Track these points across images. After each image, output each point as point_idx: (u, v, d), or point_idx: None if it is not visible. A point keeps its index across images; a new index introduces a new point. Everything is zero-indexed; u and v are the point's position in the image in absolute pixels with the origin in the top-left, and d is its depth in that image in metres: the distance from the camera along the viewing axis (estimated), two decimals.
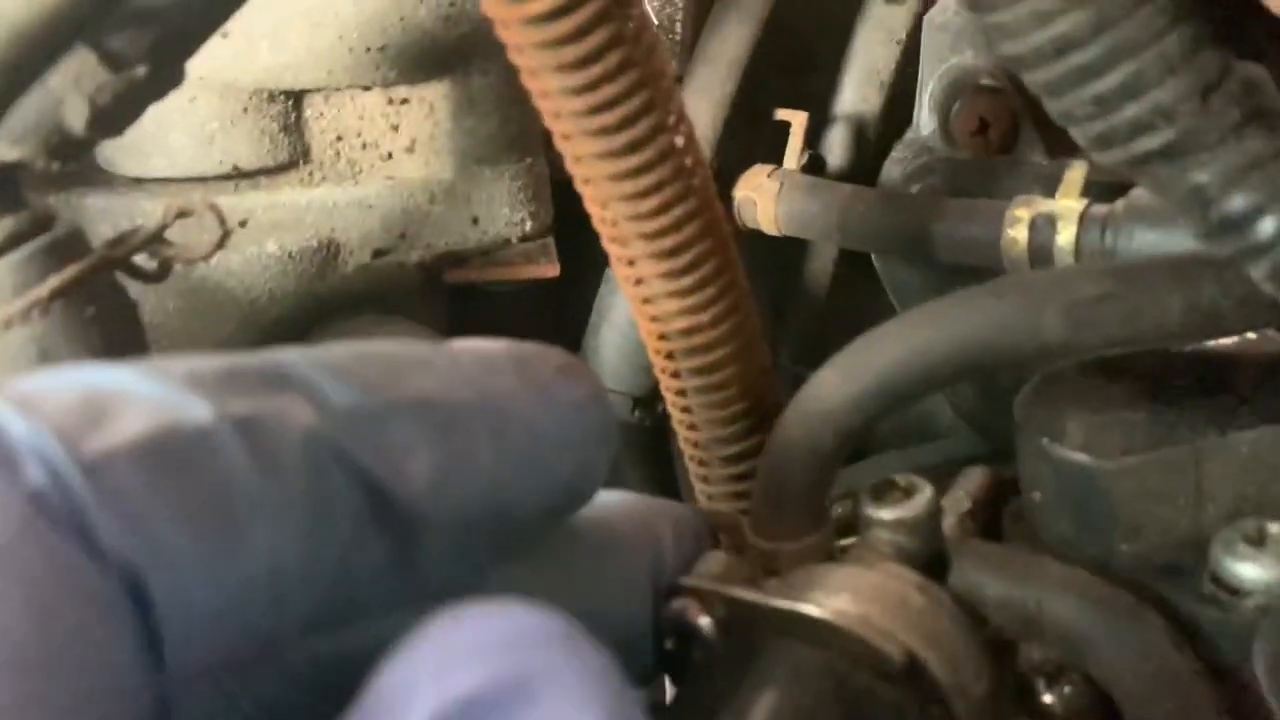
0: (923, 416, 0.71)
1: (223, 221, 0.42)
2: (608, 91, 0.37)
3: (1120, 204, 0.50)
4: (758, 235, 0.63)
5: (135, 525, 0.21)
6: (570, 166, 0.39)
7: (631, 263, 0.43)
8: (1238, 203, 0.34)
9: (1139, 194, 0.51)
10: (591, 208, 0.41)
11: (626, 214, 0.40)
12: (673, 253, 0.41)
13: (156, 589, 0.21)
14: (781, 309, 0.68)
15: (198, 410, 0.22)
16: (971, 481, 0.53)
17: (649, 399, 0.65)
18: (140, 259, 0.42)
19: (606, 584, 0.34)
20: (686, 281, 0.42)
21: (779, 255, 0.68)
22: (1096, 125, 0.35)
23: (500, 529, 0.27)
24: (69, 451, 0.20)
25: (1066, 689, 0.42)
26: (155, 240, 0.41)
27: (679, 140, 0.39)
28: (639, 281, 0.43)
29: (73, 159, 0.38)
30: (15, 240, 0.38)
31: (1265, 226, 0.34)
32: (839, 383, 0.40)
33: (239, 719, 0.25)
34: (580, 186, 0.40)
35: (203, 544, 0.21)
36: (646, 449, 0.68)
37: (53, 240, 0.39)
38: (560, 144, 0.39)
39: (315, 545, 0.23)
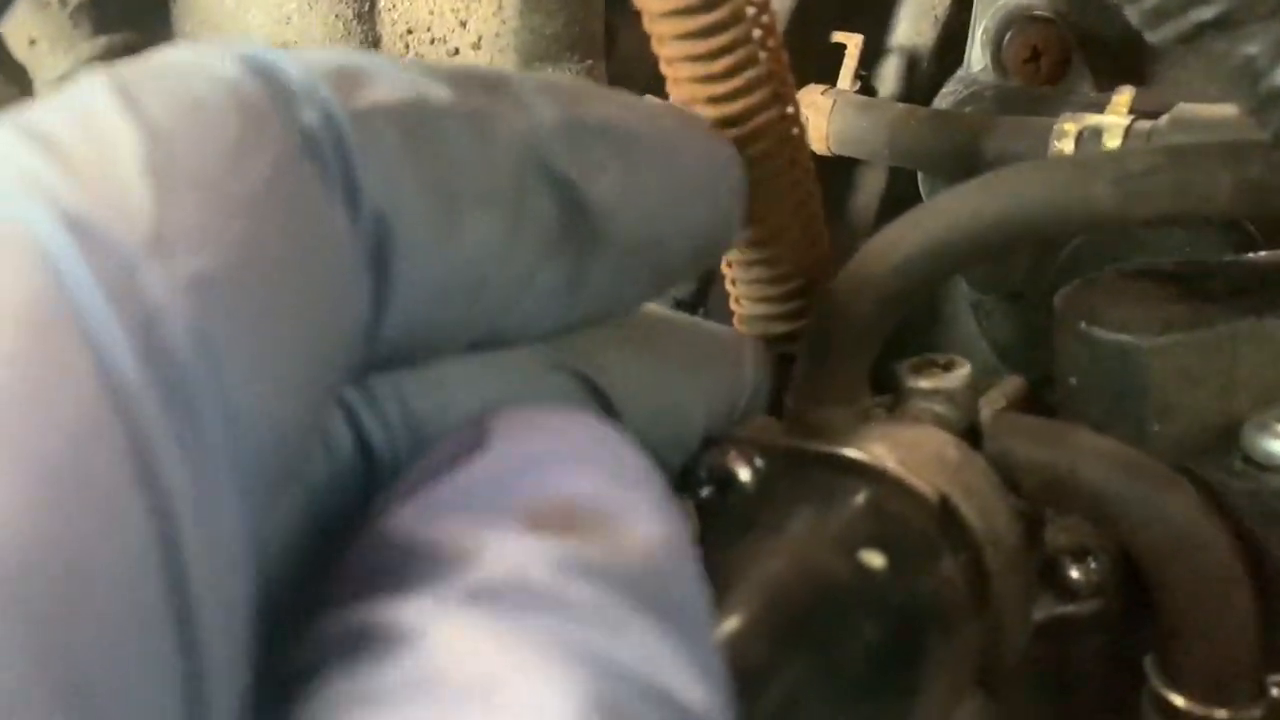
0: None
1: None
2: None
3: (1165, 118, 0.50)
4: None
5: (389, 179, 0.21)
6: (647, 24, 0.40)
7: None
8: None
9: (1184, 107, 0.51)
10: (664, 69, 0.42)
11: (694, 74, 0.41)
12: (737, 120, 0.42)
13: (397, 248, 0.22)
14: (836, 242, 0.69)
15: (441, 92, 0.23)
16: (1009, 385, 0.54)
17: (692, 301, 0.65)
18: None
19: (695, 385, 0.35)
20: (751, 151, 0.42)
21: (827, 185, 0.68)
22: None
23: (656, 262, 0.29)
24: (342, 99, 0.21)
25: (1092, 566, 0.42)
26: None
27: (750, 9, 0.39)
28: None
29: None
30: (107, 56, 0.39)
31: None
32: (886, 248, 0.41)
33: (426, 405, 0.25)
34: (655, 47, 0.41)
35: (436, 215, 0.22)
36: None
37: None
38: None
39: (513, 245, 0.24)
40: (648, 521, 0.21)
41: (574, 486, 0.21)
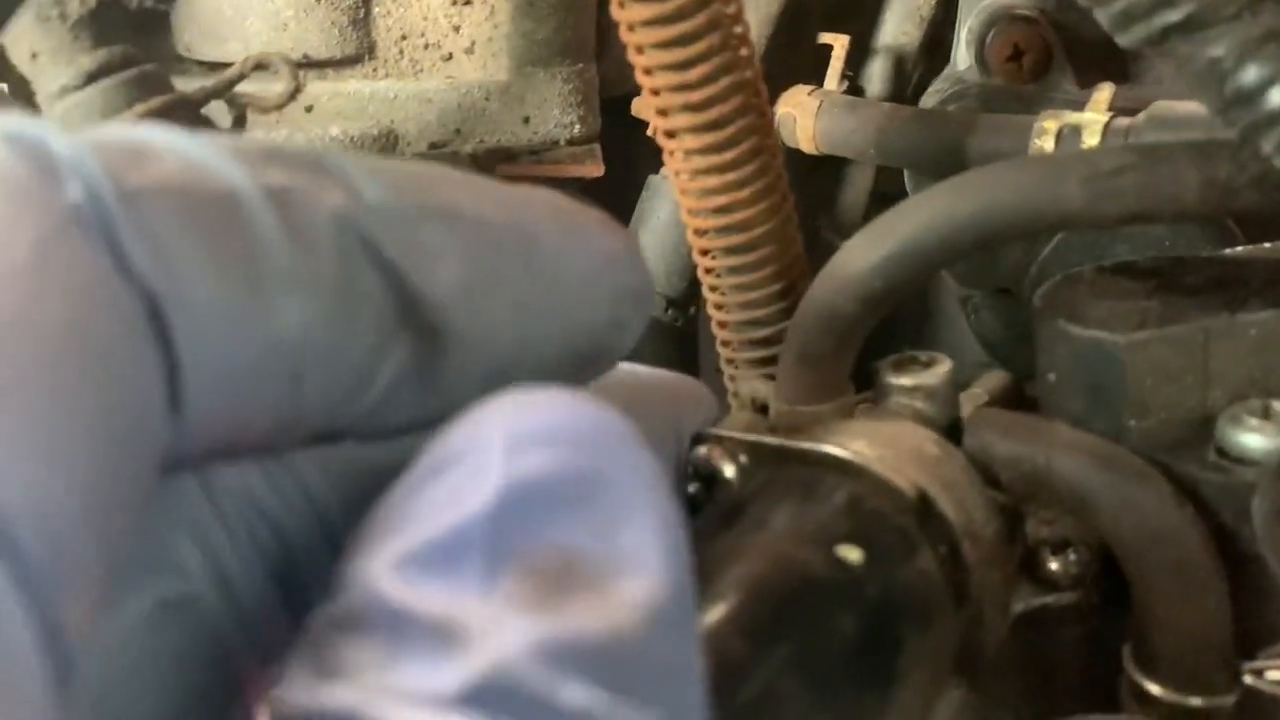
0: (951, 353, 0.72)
1: (295, 75, 0.44)
2: None
3: (1142, 115, 0.51)
4: (797, 159, 0.64)
5: (164, 257, 0.20)
6: (624, 35, 0.41)
7: (673, 134, 0.44)
8: (1251, 74, 0.35)
9: (1161, 105, 0.52)
10: (640, 78, 0.42)
11: (672, 83, 0.41)
12: (716, 125, 0.42)
13: (178, 326, 0.20)
14: (817, 236, 0.70)
15: (236, 173, 0.21)
16: (991, 381, 0.54)
17: (682, 301, 0.66)
18: (218, 114, 0.44)
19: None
20: (728, 155, 0.43)
21: (817, 183, 0.69)
22: (1119, 2, 0.36)
23: (525, 365, 0.26)
24: (110, 176, 0.20)
25: (1071, 557, 0.43)
26: (232, 86, 0.43)
27: (730, 9, 0.40)
28: (680, 155, 0.44)
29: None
30: (107, 70, 0.40)
31: (1275, 97, 0.35)
32: (864, 249, 0.42)
33: (282, 503, 0.24)
34: (632, 57, 0.42)
35: (226, 297, 0.21)
36: (674, 350, 0.69)
37: (140, 74, 0.40)
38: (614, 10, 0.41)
39: (340, 330, 0.22)
40: (648, 574, 0.20)
41: (572, 533, 0.20)
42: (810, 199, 0.67)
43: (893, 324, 0.81)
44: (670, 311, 0.66)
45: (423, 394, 0.24)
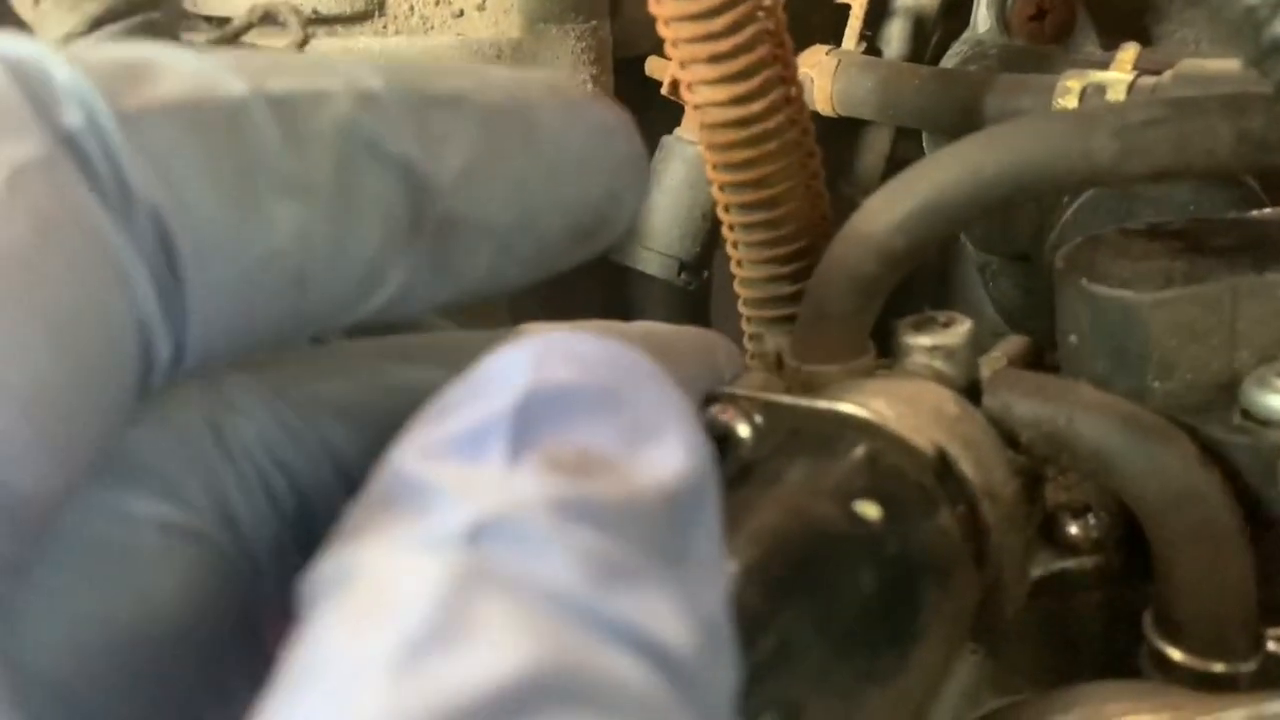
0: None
1: (303, 26, 0.43)
2: None
3: (1169, 73, 0.50)
4: (814, 122, 0.63)
5: (165, 176, 0.21)
6: (652, 7, 0.40)
7: (692, 88, 0.43)
8: None
9: (1188, 62, 0.50)
10: (661, 30, 0.41)
11: (695, 34, 0.40)
12: (740, 76, 0.41)
13: (180, 237, 0.21)
14: (836, 198, 0.68)
15: (235, 84, 0.22)
16: (1011, 345, 0.53)
17: (695, 264, 0.65)
18: None
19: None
20: (754, 108, 0.42)
21: (834, 146, 0.68)
22: None
23: (530, 242, 0.27)
24: (109, 99, 0.20)
25: (1091, 522, 0.42)
26: (239, 35, 0.42)
27: None
28: (702, 109, 0.43)
29: None
30: (112, 15, 0.39)
31: None
32: (886, 206, 0.40)
33: (300, 456, 0.25)
34: (653, 7, 0.41)
35: (228, 209, 0.21)
36: (687, 314, 0.69)
37: (146, 20, 0.40)
38: None
39: (344, 230, 0.23)
40: (667, 464, 0.21)
41: (594, 429, 0.21)
42: (828, 162, 0.66)
43: (910, 291, 0.80)
44: (683, 275, 0.65)
45: (434, 282, 0.25)
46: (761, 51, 0.41)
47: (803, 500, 0.32)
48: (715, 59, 0.41)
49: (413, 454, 0.20)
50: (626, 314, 0.77)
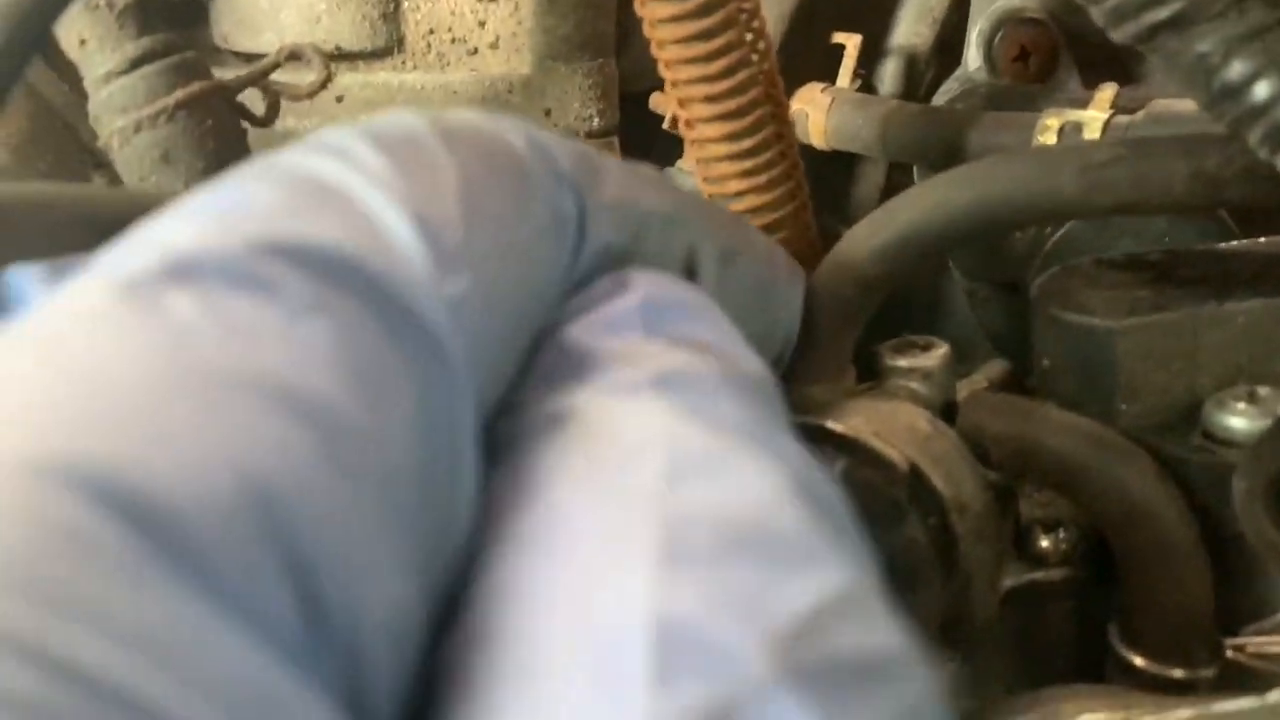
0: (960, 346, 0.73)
1: (326, 65, 0.46)
2: None
3: (1141, 113, 0.52)
4: (811, 156, 0.66)
5: (604, 236, 0.28)
6: (647, 30, 0.43)
7: (692, 125, 0.45)
8: (1237, 69, 0.36)
9: (1160, 102, 0.53)
10: (662, 71, 0.44)
11: (692, 76, 0.43)
12: (734, 115, 0.44)
13: (596, 251, 0.28)
14: (829, 232, 0.71)
15: (650, 197, 0.29)
16: (992, 369, 0.56)
17: None
18: (253, 101, 0.46)
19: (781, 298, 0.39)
20: (746, 144, 0.45)
21: (831, 179, 0.70)
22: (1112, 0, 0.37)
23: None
24: (584, 187, 0.27)
25: (1061, 535, 0.44)
26: (267, 74, 0.45)
27: (746, 4, 0.41)
28: (699, 144, 0.46)
29: None
30: (150, 56, 0.42)
31: (1260, 90, 0.36)
32: (866, 235, 0.43)
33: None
34: (655, 51, 0.43)
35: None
36: None
37: (181, 60, 0.43)
38: (637, 7, 0.42)
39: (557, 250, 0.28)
40: (754, 360, 0.26)
41: (701, 332, 0.26)
42: (824, 195, 0.69)
43: (904, 316, 0.82)
44: None
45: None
46: (754, 93, 0.43)
47: None
48: (711, 99, 0.44)
49: (573, 331, 0.25)
50: None
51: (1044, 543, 0.44)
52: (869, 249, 0.42)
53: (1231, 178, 0.39)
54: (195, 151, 0.43)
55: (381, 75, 0.60)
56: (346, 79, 0.59)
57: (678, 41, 0.43)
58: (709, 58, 0.43)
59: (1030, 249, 0.58)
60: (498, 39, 0.60)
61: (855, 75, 0.66)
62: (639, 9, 0.42)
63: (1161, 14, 0.37)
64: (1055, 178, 0.40)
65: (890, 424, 0.40)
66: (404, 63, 0.60)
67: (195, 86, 0.43)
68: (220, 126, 0.44)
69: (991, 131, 0.55)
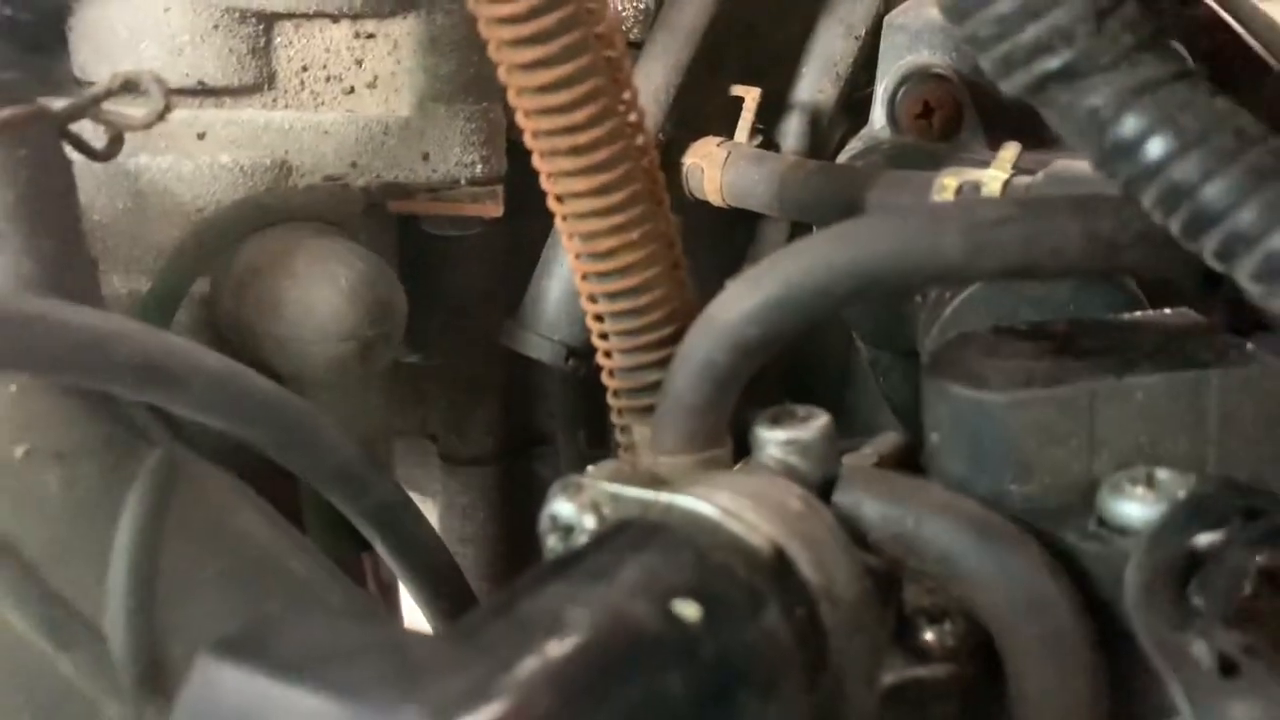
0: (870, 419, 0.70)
1: (165, 95, 0.42)
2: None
3: (1041, 173, 0.50)
4: (710, 214, 0.63)
5: None
6: (501, 76, 0.40)
7: (551, 177, 0.42)
8: (1129, 125, 0.33)
9: (1061, 163, 0.50)
10: (521, 122, 0.41)
11: (555, 126, 0.40)
12: (600, 167, 0.41)
13: None
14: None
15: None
16: (883, 442, 0.52)
17: (584, 350, 0.64)
18: (89, 132, 0.42)
19: None
20: (615, 198, 0.41)
21: (731, 233, 0.68)
22: (1001, 47, 0.34)
23: None
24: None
25: (947, 628, 0.40)
26: (98, 103, 0.41)
27: (611, 52, 0.39)
28: (565, 200, 0.43)
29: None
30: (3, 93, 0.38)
31: (1153, 148, 0.33)
32: (739, 296, 0.39)
33: None
34: (513, 100, 0.40)
35: None
36: (579, 399, 0.67)
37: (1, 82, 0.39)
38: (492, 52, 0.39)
39: None
40: None
41: None
42: (725, 254, 0.66)
43: (812, 387, 0.79)
44: (571, 361, 0.64)
45: None
46: (621, 144, 0.40)
47: (619, 600, 0.30)
48: (576, 151, 0.40)
49: None
50: (528, 399, 0.76)
51: (929, 635, 0.40)
52: (741, 311, 0.39)
53: (1129, 242, 0.37)
54: (5, 183, 0.39)
55: (248, 112, 0.56)
56: (209, 115, 0.55)
57: (537, 90, 0.40)
58: (572, 106, 0.40)
59: (931, 315, 0.56)
60: (375, 78, 0.57)
61: (754, 130, 0.63)
62: (490, 52, 0.39)
63: (1051, 64, 0.34)
64: (939, 237, 0.37)
65: (758, 502, 0.36)
66: (274, 100, 0.56)
67: (10, 112, 0.38)
68: (37, 159, 0.39)
69: (888, 189, 0.52)
